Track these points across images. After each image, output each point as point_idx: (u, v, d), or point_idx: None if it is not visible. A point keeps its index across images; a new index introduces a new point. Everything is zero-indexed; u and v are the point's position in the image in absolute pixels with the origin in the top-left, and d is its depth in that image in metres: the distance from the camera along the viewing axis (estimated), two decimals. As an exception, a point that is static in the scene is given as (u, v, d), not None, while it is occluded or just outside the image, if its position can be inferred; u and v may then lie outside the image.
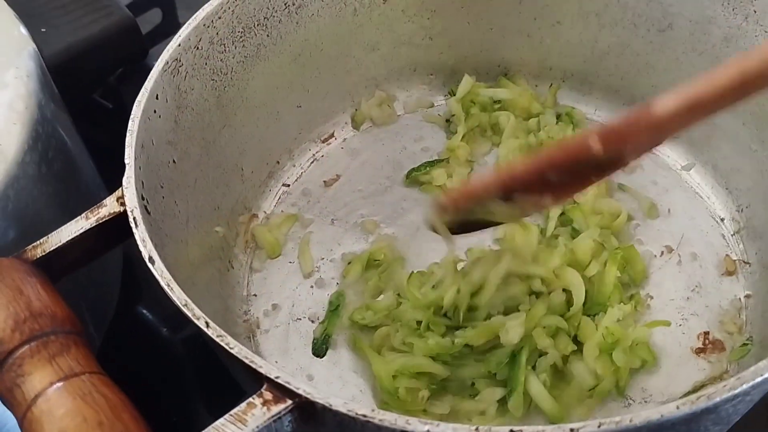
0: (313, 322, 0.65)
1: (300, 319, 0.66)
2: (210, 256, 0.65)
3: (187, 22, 0.61)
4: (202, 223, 0.64)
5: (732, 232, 0.68)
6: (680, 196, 0.70)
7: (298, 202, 0.73)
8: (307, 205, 0.73)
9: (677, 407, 0.39)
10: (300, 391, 0.41)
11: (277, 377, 0.41)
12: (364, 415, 0.40)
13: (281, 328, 0.65)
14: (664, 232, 0.68)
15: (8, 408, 0.43)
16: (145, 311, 0.78)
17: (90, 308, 0.64)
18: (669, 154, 0.73)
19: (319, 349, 0.64)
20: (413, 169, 0.74)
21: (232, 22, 0.64)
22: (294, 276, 0.68)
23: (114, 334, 0.72)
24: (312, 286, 0.67)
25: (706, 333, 0.62)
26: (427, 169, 0.73)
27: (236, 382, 0.53)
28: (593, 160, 0.47)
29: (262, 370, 0.42)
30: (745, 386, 0.39)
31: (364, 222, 0.71)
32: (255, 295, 0.68)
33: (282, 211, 0.73)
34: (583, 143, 0.47)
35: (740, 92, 0.42)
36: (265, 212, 0.73)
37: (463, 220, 0.55)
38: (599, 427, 0.38)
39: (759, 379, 0.39)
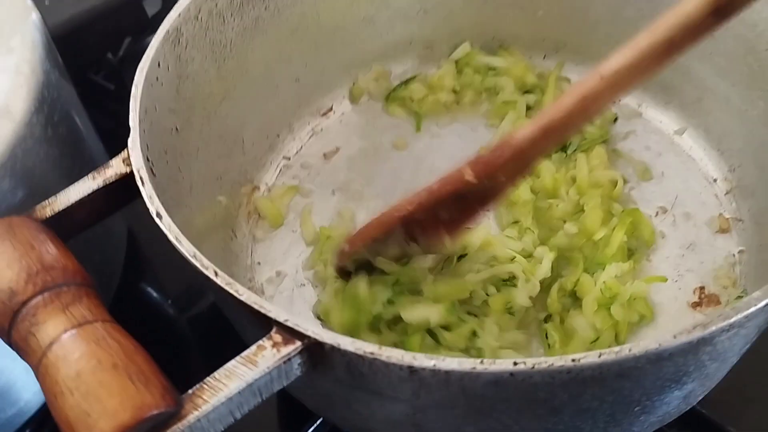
0: (316, 287, 0.66)
1: (304, 285, 0.67)
2: (214, 225, 0.66)
3: (186, -8, 0.62)
4: (205, 191, 0.65)
5: (725, 192, 0.69)
6: (673, 159, 0.72)
7: (299, 174, 0.74)
8: (308, 177, 0.74)
9: (674, 336, 0.40)
10: (309, 333, 0.42)
11: (286, 320, 0.42)
12: (372, 353, 0.41)
13: (285, 294, 0.66)
14: (658, 194, 0.69)
15: (23, 357, 0.44)
16: (148, 288, 0.79)
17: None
18: (661, 119, 0.75)
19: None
20: (391, 91, 0.76)
21: (231, -6, 0.65)
22: (297, 244, 0.69)
23: (117, 311, 0.73)
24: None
25: (702, 288, 0.63)
26: (404, 85, 0.76)
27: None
28: (471, 190, 0.52)
29: (271, 314, 0.43)
30: (739, 316, 0.40)
31: (362, 191, 0.72)
32: (259, 263, 0.69)
33: (283, 183, 0.74)
34: (458, 176, 0.52)
35: (584, 114, 0.47)
36: (266, 184, 0.74)
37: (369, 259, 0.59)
38: (600, 357, 0.39)
39: (753, 309, 0.40)
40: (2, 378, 0.57)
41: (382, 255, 0.59)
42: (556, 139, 0.50)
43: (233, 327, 0.55)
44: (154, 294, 0.79)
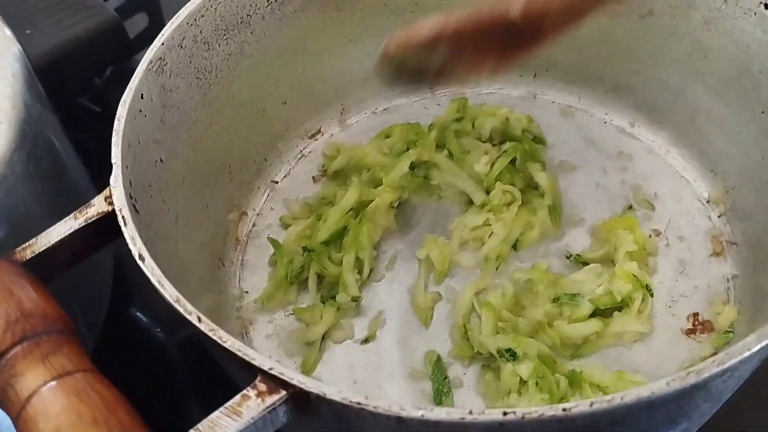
0: (306, 316, 0.65)
1: (293, 314, 0.66)
2: (200, 253, 0.65)
3: (170, 21, 0.61)
4: (192, 221, 0.64)
5: (719, 214, 0.68)
6: (666, 181, 0.71)
7: (288, 198, 0.73)
8: (296, 202, 0.73)
9: (667, 383, 0.39)
10: (294, 382, 0.41)
11: (270, 368, 0.42)
12: (359, 403, 0.40)
13: (274, 323, 0.65)
14: (652, 216, 0.69)
15: (2, 408, 0.43)
16: (138, 314, 0.78)
17: (82, 310, 0.64)
18: (654, 139, 0.74)
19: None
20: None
21: (215, 20, 0.64)
22: (285, 272, 0.68)
23: (107, 337, 0.72)
24: (304, 280, 0.67)
25: (696, 314, 0.62)
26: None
27: (230, 383, 0.53)
28: (513, 27, 0.50)
29: (255, 362, 0.42)
30: (733, 361, 0.40)
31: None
32: (247, 291, 0.68)
33: (271, 208, 0.73)
34: (503, 8, 0.51)
35: None
36: (254, 209, 0.73)
37: (412, 67, 0.57)
38: (591, 405, 0.39)
39: (747, 354, 0.40)
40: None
41: (425, 65, 0.56)
42: None
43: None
44: (144, 319, 0.78)
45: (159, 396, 0.74)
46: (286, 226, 0.71)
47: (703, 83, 0.68)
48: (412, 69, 0.56)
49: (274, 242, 0.68)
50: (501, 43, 0.53)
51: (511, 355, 0.58)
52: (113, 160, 0.52)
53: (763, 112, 0.63)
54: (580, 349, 0.61)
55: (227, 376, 0.54)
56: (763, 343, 0.40)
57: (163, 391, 0.73)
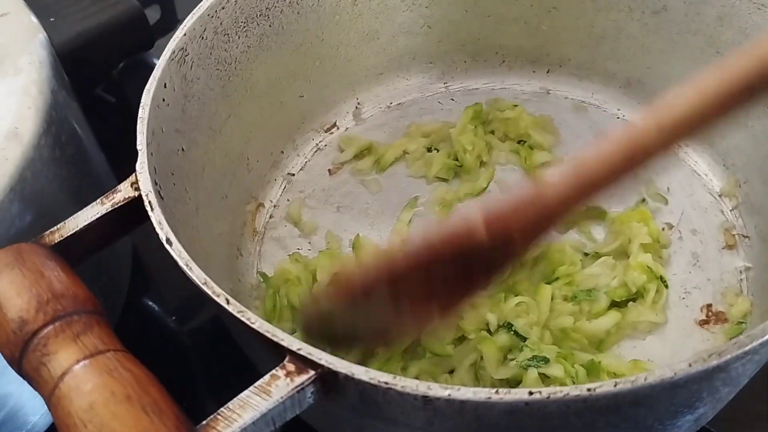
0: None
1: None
2: (219, 243, 0.66)
3: (192, 12, 0.62)
4: (211, 210, 0.64)
5: (731, 208, 0.69)
6: (678, 175, 0.72)
7: (304, 190, 0.74)
8: (312, 194, 0.74)
9: (689, 365, 0.40)
10: (322, 362, 0.42)
11: (299, 349, 0.42)
12: (386, 383, 0.40)
13: (293, 312, 0.66)
14: (664, 210, 0.69)
15: (34, 387, 0.43)
16: (151, 303, 0.79)
17: (102, 297, 0.65)
18: (666, 134, 0.75)
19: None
20: None
21: (235, 13, 0.65)
22: (303, 262, 0.69)
23: (122, 326, 0.73)
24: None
25: (709, 305, 0.63)
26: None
27: (242, 373, 0.54)
28: (479, 251, 0.40)
29: (284, 343, 0.43)
30: (754, 344, 0.40)
31: (367, 208, 0.72)
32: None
33: (288, 200, 0.74)
34: (466, 231, 0.40)
35: (630, 168, 0.38)
36: (270, 201, 0.74)
37: (342, 327, 0.48)
38: (615, 386, 0.39)
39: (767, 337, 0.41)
40: (10, 402, 0.57)
41: (357, 325, 0.47)
42: (592, 196, 0.40)
43: (234, 340, 0.55)
44: (157, 308, 0.79)
45: (171, 385, 0.75)
46: (295, 223, 0.72)
47: (715, 78, 0.69)
48: (341, 329, 0.47)
49: (263, 275, 0.67)
50: (453, 275, 0.42)
51: (541, 360, 0.58)
52: (139, 147, 0.53)
53: (775, 106, 0.64)
54: (602, 344, 0.61)
55: (239, 365, 0.55)
56: (784, 326, 0.41)
57: (175, 381, 0.74)
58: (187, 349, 0.77)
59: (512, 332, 0.59)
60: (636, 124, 0.39)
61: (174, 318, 0.77)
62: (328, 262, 0.67)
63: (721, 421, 0.57)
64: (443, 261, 0.41)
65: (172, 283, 0.78)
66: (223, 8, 0.64)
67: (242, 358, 0.56)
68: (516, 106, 0.77)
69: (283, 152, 0.75)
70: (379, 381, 0.41)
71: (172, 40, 0.60)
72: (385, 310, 0.44)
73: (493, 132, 0.76)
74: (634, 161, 0.39)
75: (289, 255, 0.69)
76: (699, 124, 0.37)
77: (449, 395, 0.40)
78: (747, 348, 0.40)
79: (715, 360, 0.40)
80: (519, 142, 0.75)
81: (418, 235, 0.43)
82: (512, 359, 0.58)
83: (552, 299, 0.62)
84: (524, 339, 0.59)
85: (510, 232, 0.40)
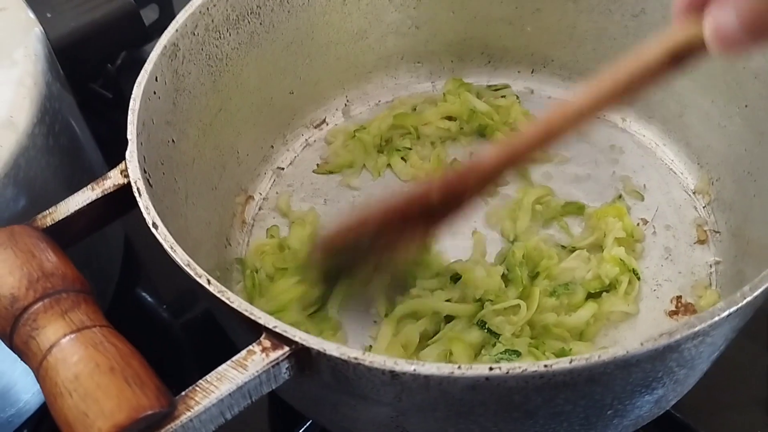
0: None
1: (295, 291, 0.69)
2: (208, 232, 0.68)
3: (184, 9, 0.64)
4: (200, 201, 0.67)
5: (704, 204, 0.71)
6: (655, 173, 0.74)
7: (293, 183, 0.77)
8: (301, 187, 0.76)
9: (641, 344, 0.42)
10: (296, 339, 0.44)
11: (275, 326, 0.44)
12: (356, 358, 0.43)
13: (278, 300, 0.68)
14: (641, 206, 0.72)
15: (24, 360, 0.46)
16: (143, 294, 0.81)
17: (93, 281, 0.67)
18: (644, 133, 0.77)
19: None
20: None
21: (227, 10, 0.67)
22: (289, 251, 0.71)
23: (113, 316, 0.75)
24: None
25: (679, 297, 0.65)
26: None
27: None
28: (436, 207, 0.56)
29: (260, 321, 0.45)
30: (703, 325, 0.42)
31: (353, 202, 0.75)
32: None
33: (276, 193, 0.76)
34: (424, 196, 0.56)
35: (545, 142, 0.53)
36: (260, 194, 0.76)
37: (336, 265, 0.62)
38: (570, 362, 0.42)
39: (717, 318, 0.43)
40: (2, 380, 0.59)
41: (349, 265, 0.60)
42: (519, 163, 0.57)
43: (225, 332, 0.57)
44: (149, 299, 0.81)
45: (162, 373, 0.77)
46: (284, 214, 0.74)
47: (690, 79, 0.71)
48: (343, 266, 0.61)
49: (239, 260, 0.71)
50: (424, 219, 0.57)
51: (513, 353, 0.60)
52: (128, 136, 0.55)
53: (746, 106, 0.67)
54: (583, 335, 0.63)
55: (229, 353, 0.57)
56: (731, 309, 0.43)
57: (166, 368, 0.76)
58: (179, 340, 0.78)
59: (485, 330, 0.62)
60: (551, 110, 0.52)
61: (166, 308, 0.79)
62: (301, 230, 0.71)
63: (687, 407, 0.60)
64: (411, 212, 0.57)
65: (164, 275, 0.80)
66: (214, 6, 0.66)
67: (231, 347, 0.58)
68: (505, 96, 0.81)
69: (273, 147, 0.78)
70: (348, 356, 0.43)
71: (164, 35, 0.62)
72: (371, 246, 0.58)
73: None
74: (548, 137, 0.52)
75: (267, 229, 0.73)
76: (594, 108, 0.51)
77: (414, 370, 0.42)
78: (696, 329, 0.43)
79: (665, 339, 0.42)
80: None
81: (395, 196, 0.59)
82: (485, 354, 0.61)
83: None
84: (498, 336, 0.61)
85: (458, 193, 0.56)
